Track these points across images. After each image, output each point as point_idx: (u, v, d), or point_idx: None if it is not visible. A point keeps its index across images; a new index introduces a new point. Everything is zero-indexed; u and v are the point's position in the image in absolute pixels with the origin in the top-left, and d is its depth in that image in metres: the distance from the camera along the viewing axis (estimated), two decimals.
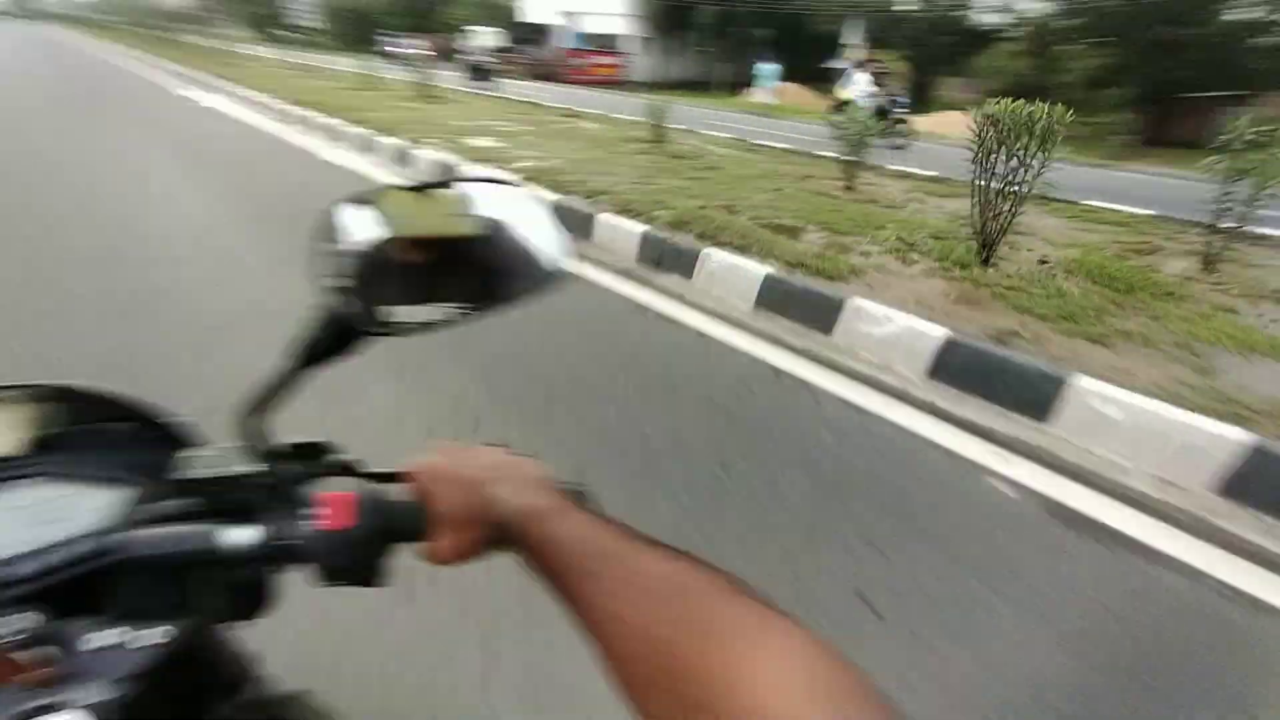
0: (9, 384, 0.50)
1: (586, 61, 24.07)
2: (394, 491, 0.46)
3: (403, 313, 0.43)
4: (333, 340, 0.41)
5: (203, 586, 0.45)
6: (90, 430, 0.54)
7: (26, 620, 0.43)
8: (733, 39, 25.79)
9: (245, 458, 0.45)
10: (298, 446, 0.46)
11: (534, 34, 25.24)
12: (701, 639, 0.26)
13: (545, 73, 23.85)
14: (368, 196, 0.43)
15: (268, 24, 41.75)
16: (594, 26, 25.11)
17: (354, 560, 0.43)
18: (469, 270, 0.45)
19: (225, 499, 0.44)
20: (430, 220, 0.44)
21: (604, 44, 24.96)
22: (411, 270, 0.43)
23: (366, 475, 0.47)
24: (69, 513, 0.50)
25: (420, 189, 0.45)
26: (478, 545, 0.41)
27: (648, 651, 0.27)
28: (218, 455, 0.46)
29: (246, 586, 0.51)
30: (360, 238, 0.42)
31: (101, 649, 0.43)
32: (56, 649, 0.42)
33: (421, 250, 0.44)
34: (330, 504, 0.42)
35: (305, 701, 0.55)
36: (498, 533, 0.40)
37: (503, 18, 27.29)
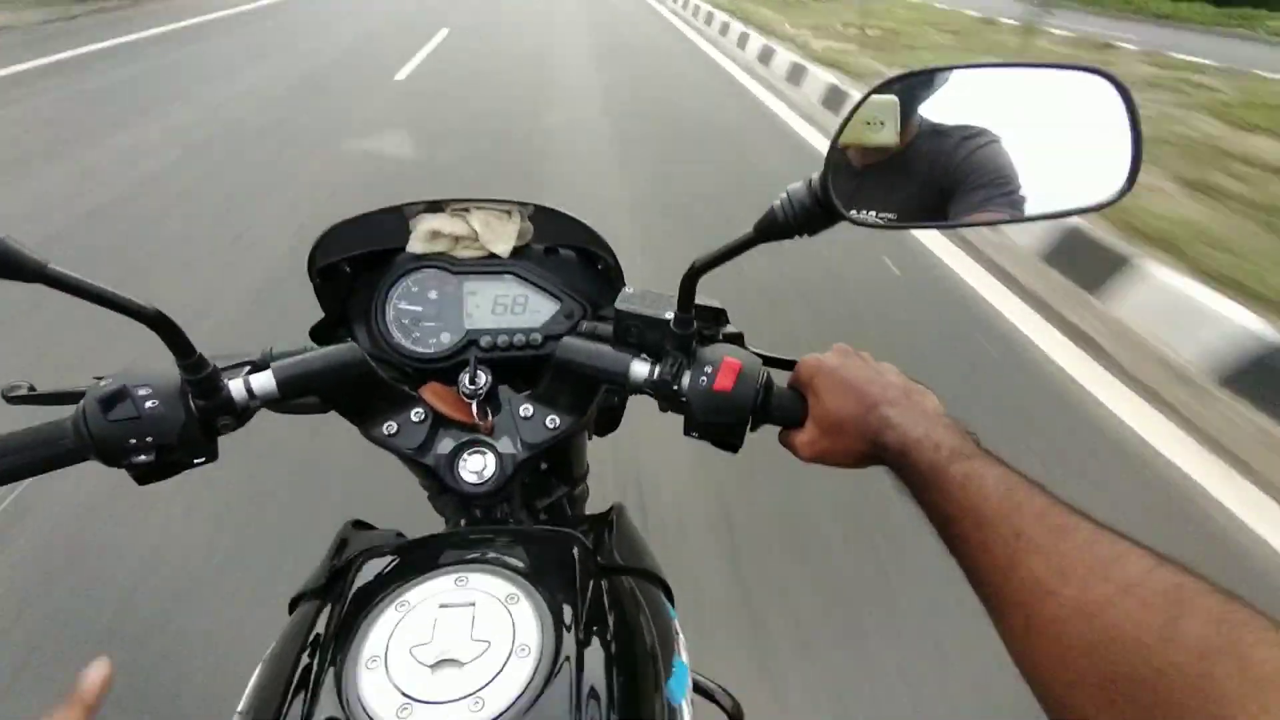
0: (515, 200, 0.61)
1: None
2: (780, 376, 0.49)
3: (864, 214, 0.40)
4: (798, 221, 0.40)
5: (599, 399, 0.56)
6: (556, 250, 0.64)
7: (485, 379, 0.56)
8: None
9: (669, 305, 0.48)
10: (700, 308, 0.49)
11: None
12: (1140, 607, 0.25)
13: None
14: (908, 81, 0.40)
15: None
16: None
17: (721, 423, 0.46)
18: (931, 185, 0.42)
19: (644, 336, 0.50)
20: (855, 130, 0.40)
21: None
22: (881, 174, 0.41)
23: (757, 353, 0.50)
24: (528, 310, 0.63)
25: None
26: (851, 455, 0.42)
27: (1081, 626, 0.26)
28: (648, 297, 0.51)
29: (610, 410, 0.64)
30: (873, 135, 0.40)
31: (527, 419, 0.55)
32: (499, 407, 0.56)
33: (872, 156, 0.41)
34: (718, 366, 0.46)
35: (617, 509, 0.63)
36: (877, 451, 0.39)
37: None
